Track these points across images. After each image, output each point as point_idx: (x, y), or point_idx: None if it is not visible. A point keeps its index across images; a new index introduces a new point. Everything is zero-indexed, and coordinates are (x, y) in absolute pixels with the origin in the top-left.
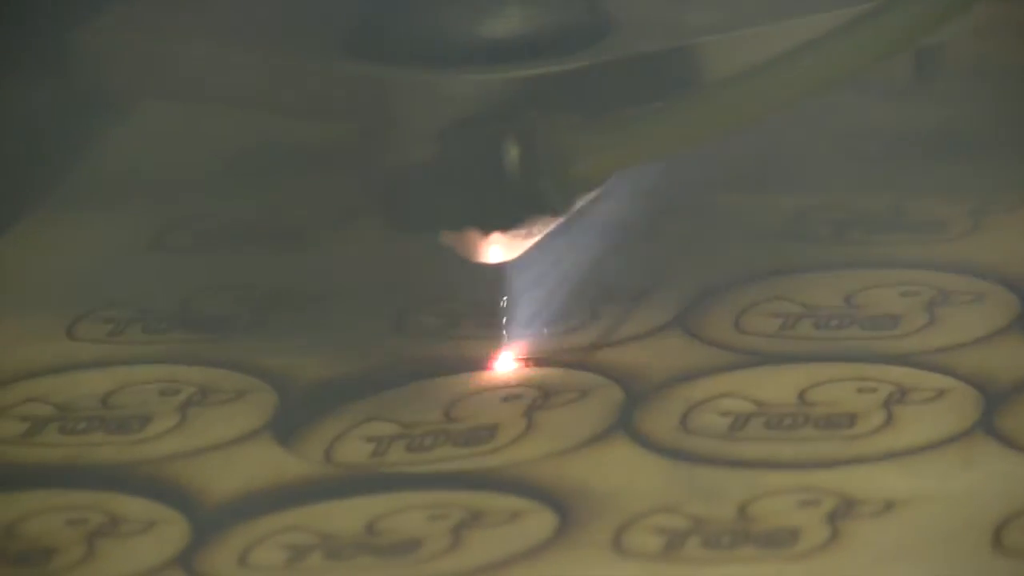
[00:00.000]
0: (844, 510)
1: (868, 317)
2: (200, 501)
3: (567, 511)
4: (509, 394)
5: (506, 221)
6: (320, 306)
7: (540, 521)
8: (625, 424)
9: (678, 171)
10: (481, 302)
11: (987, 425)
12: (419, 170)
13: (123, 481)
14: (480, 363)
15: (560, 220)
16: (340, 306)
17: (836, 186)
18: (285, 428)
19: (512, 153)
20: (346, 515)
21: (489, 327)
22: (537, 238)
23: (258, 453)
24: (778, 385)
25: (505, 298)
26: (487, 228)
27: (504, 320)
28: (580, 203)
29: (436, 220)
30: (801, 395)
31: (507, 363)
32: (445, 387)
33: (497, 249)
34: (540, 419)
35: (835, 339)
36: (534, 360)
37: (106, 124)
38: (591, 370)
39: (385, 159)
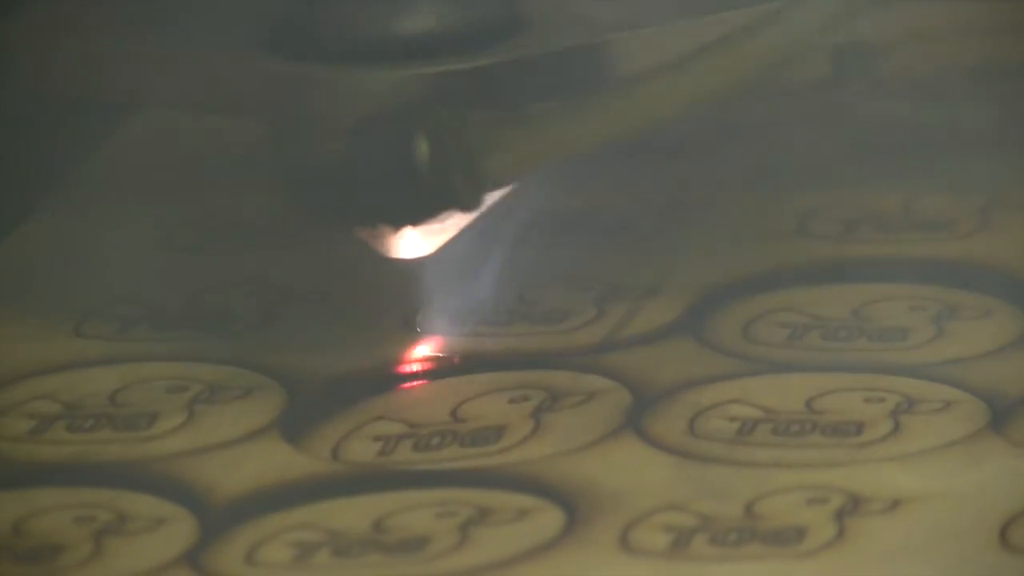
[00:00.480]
0: (851, 508)
1: (876, 329)
2: (208, 499)
3: (575, 509)
4: (516, 396)
5: (417, 216)
6: (329, 303)
7: (548, 519)
8: (633, 425)
9: (683, 169)
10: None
11: (995, 428)
12: (332, 166)
13: (131, 479)
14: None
15: (471, 215)
16: (349, 303)
17: (844, 184)
18: (293, 426)
19: (423, 149)
20: (354, 513)
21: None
22: (451, 234)
23: (266, 451)
24: (786, 393)
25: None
26: (398, 223)
27: (418, 316)
28: (492, 199)
29: (349, 215)
30: (809, 403)
31: (423, 359)
32: (453, 388)
33: (410, 244)
34: (548, 420)
35: (843, 350)
36: (452, 357)
37: (112, 122)
38: (599, 373)
39: (299, 155)
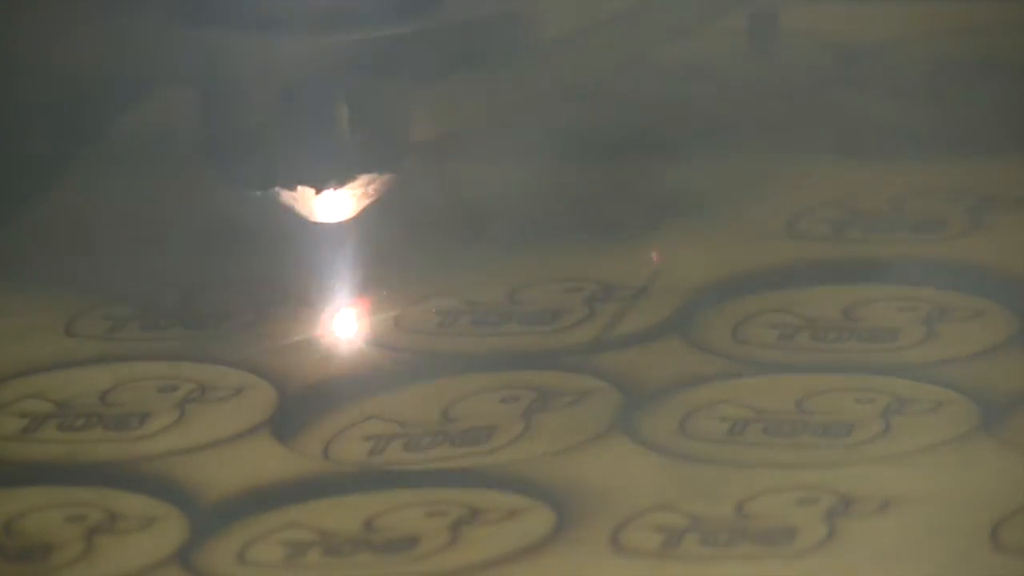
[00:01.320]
0: (842, 508)
1: (867, 330)
2: (199, 498)
3: (565, 508)
4: (507, 396)
5: (338, 179)
6: (320, 304)
7: (538, 518)
8: (623, 425)
9: (673, 170)
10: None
11: (985, 429)
12: (255, 130)
13: (122, 478)
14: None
15: (390, 179)
16: (343, 303)
17: (835, 185)
18: (284, 426)
19: (343, 114)
20: (344, 512)
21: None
22: (372, 198)
23: (257, 450)
24: (776, 393)
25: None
26: (320, 186)
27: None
28: (410, 163)
29: (272, 178)
30: (799, 404)
31: (342, 328)
32: (443, 388)
33: (332, 208)
34: (538, 420)
35: (833, 351)
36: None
37: (104, 121)
38: (590, 373)
39: (222, 121)
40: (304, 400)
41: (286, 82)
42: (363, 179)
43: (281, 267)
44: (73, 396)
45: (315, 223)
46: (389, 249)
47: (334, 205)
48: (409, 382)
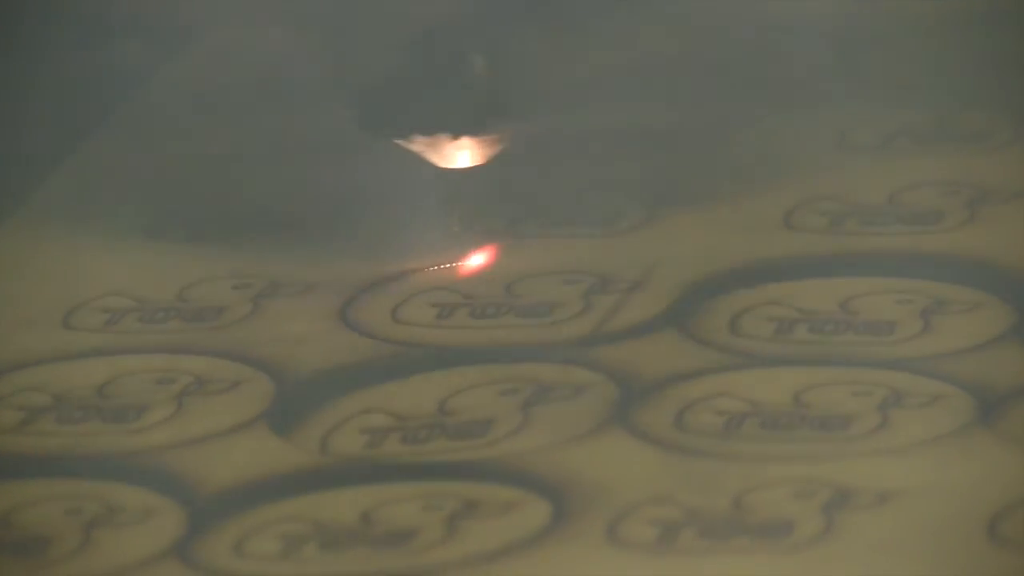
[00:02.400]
0: (839, 501)
1: (863, 323)
2: (196, 491)
3: (562, 501)
4: (504, 389)
5: (473, 127)
6: (317, 295)
7: (535, 511)
8: (620, 419)
9: (670, 163)
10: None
11: (982, 422)
12: (390, 78)
13: (119, 471)
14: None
15: (523, 127)
16: (337, 295)
17: (831, 177)
18: (281, 418)
19: (478, 62)
20: (341, 505)
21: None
22: (503, 145)
23: (254, 443)
24: (773, 387)
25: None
26: (455, 133)
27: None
28: (542, 112)
29: (408, 126)
30: (796, 397)
31: (473, 266)
32: (440, 381)
33: (465, 154)
34: (535, 413)
35: (830, 344)
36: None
37: (105, 112)
38: (587, 366)
39: (357, 67)
40: (301, 393)
41: (421, 29)
42: (496, 127)
43: (278, 259)
44: (71, 389)
45: (447, 170)
46: (517, 196)
47: (467, 152)
48: (406, 375)
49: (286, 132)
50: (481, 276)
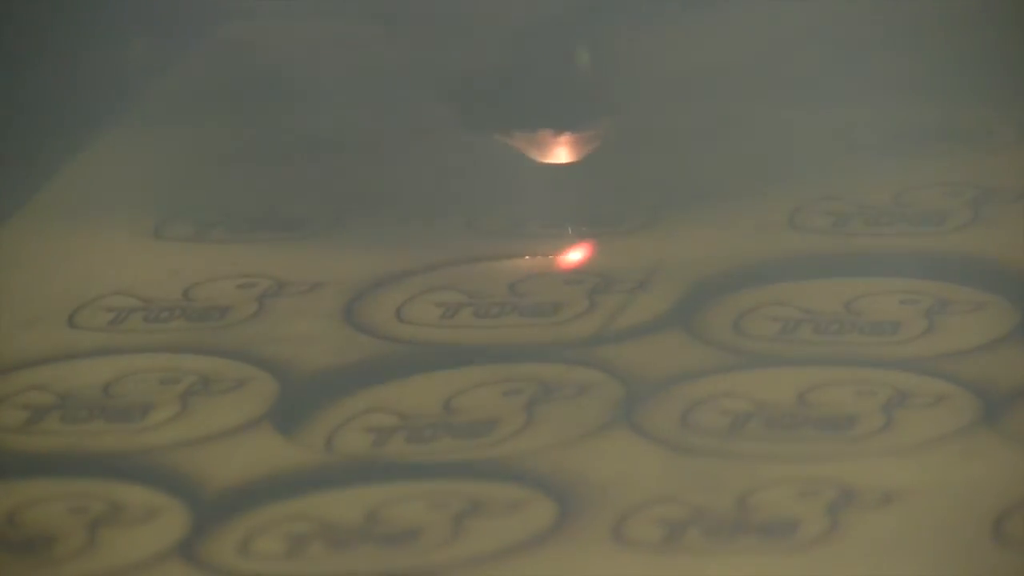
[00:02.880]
0: (844, 501)
1: (868, 323)
2: (201, 490)
3: (567, 501)
4: (509, 388)
5: (577, 122)
6: (320, 295)
7: (540, 511)
8: (625, 418)
9: (674, 162)
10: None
11: (987, 422)
12: (493, 73)
13: (124, 470)
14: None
15: (622, 122)
16: (341, 294)
17: (835, 178)
18: (286, 417)
19: (584, 57)
20: (347, 504)
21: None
22: (603, 140)
23: (259, 442)
24: (777, 387)
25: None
26: (559, 128)
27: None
28: (647, 109)
29: (510, 121)
30: (801, 397)
31: (573, 259)
32: (445, 380)
33: (566, 150)
34: (540, 413)
35: (835, 344)
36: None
37: (105, 116)
38: (591, 365)
39: (459, 63)
40: (306, 392)
41: (523, 24)
42: (598, 122)
43: (282, 258)
44: (75, 388)
45: (546, 165)
46: (614, 191)
47: (567, 147)
48: (411, 374)
49: (297, 130)
50: (486, 275)
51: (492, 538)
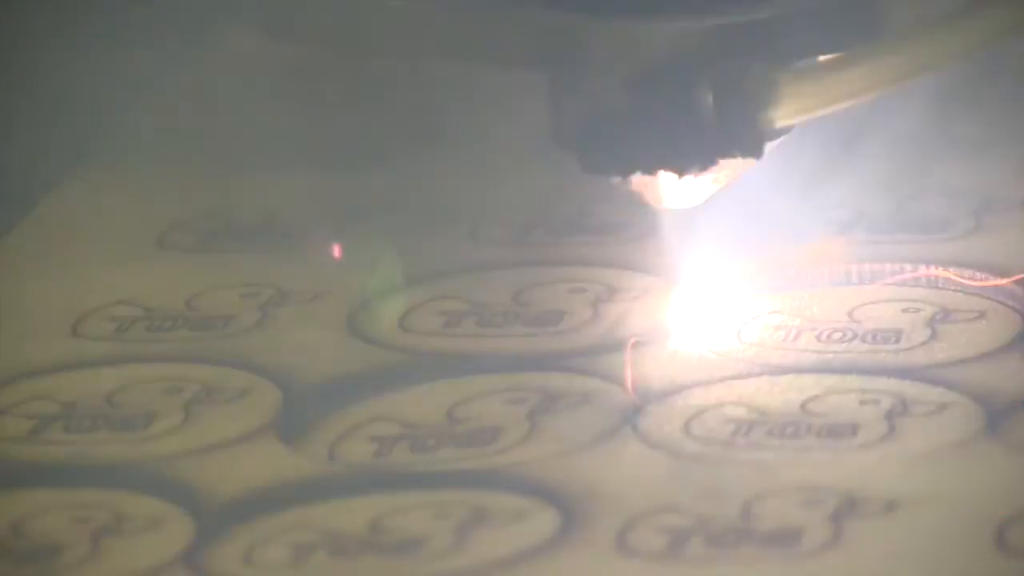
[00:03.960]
0: (847, 510)
1: (870, 331)
2: (204, 499)
3: (571, 510)
4: (512, 397)
5: (699, 164)
6: (323, 304)
7: (543, 520)
8: (629, 426)
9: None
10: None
11: (990, 430)
12: (613, 115)
13: (128, 479)
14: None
15: (750, 164)
16: (344, 304)
17: (838, 185)
18: (289, 427)
19: (707, 99)
20: (350, 514)
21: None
22: (724, 183)
23: (262, 452)
24: (781, 395)
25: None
26: (681, 171)
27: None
28: (769, 148)
29: (630, 163)
30: (804, 405)
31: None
32: (449, 389)
33: (685, 193)
34: (544, 422)
35: (837, 352)
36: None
37: (114, 120)
38: (595, 374)
39: (578, 105)
40: (309, 401)
41: (641, 66)
42: (721, 164)
43: (286, 268)
44: (79, 397)
45: (665, 209)
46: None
47: (688, 191)
48: (414, 383)
49: (298, 140)
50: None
51: (496, 547)
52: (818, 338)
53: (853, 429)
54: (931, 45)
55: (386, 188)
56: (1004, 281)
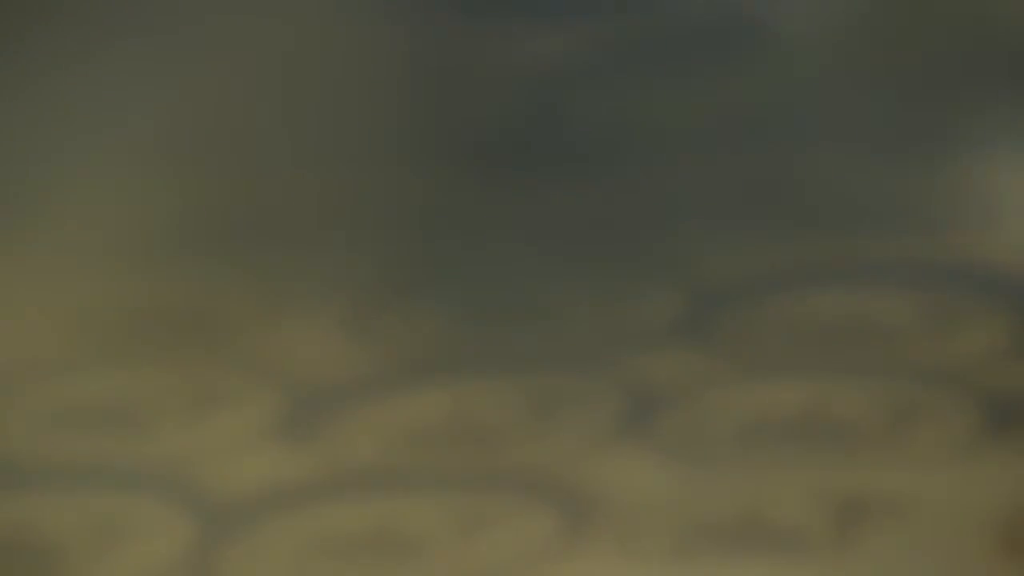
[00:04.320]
0: (851, 511)
1: (876, 331)
2: (209, 501)
3: (576, 510)
4: (517, 398)
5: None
6: (331, 306)
7: (549, 520)
8: (634, 428)
9: (682, 173)
10: None
11: (994, 431)
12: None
13: (132, 481)
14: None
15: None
16: (350, 305)
17: (841, 185)
18: (294, 429)
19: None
20: (354, 515)
21: None
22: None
23: (267, 454)
24: (788, 396)
25: None
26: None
27: None
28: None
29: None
30: (809, 407)
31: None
32: (453, 390)
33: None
34: (549, 423)
35: (844, 352)
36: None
37: (119, 122)
38: (601, 376)
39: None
40: (314, 403)
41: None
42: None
43: (290, 270)
44: (86, 399)
45: None
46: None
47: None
48: (419, 385)
49: (303, 142)
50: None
51: (501, 548)
52: (823, 339)
53: (858, 431)
54: None
55: (393, 191)
56: None
